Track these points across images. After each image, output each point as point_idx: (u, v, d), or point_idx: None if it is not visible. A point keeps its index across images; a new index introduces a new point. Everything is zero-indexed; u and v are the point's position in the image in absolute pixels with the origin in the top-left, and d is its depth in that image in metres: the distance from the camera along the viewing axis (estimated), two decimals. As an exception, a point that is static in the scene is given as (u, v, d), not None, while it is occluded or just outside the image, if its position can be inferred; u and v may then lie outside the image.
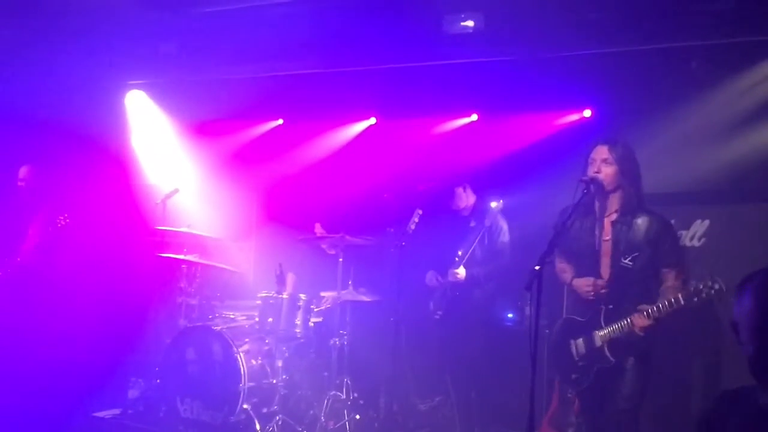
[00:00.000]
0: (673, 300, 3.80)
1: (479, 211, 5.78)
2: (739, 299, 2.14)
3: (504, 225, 5.67)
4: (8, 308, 6.07)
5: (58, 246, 6.20)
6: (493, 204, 5.42)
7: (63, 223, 6.05)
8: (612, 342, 4.01)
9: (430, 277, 5.86)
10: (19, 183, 6.36)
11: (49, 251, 6.19)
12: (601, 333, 4.04)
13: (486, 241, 5.61)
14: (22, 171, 6.38)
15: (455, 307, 5.68)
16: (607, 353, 4.03)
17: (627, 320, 3.95)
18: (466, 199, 5.88)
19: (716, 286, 3.68)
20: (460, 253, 5.62)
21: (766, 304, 2.05)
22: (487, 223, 5.59)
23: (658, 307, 3.86)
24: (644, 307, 3.91)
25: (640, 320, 3.89)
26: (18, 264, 6.15)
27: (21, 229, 6.32)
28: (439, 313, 5.77)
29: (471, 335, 5.60)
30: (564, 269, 4.40)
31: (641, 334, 3.91)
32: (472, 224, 5.73)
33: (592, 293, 4.13)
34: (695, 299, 3.75)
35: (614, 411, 4.07)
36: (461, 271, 5.53)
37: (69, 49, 6.44)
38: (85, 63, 6.59)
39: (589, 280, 4.15)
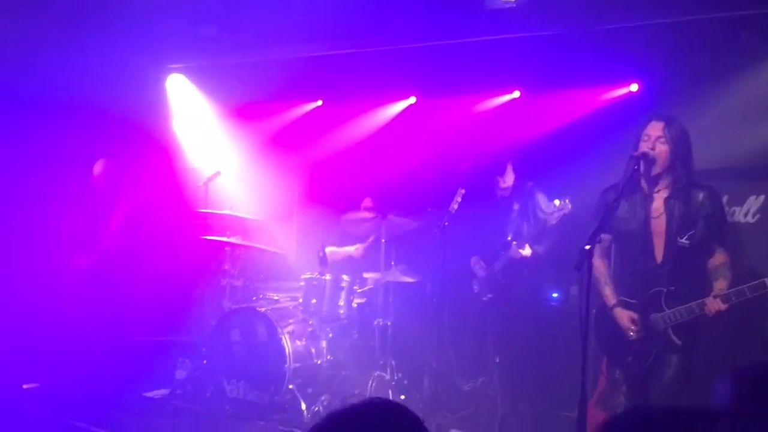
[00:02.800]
0: (757, 284, 3.68)
1: (520, 192, 5.69)
2: None
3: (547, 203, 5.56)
4: (76, 295, 6.24)
5: (133, 245, 6.49)
6: (557, 202, 5.12)
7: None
8: (678, 325, 3.92)
9: (475, 263, 5.82)
10: (96, 178, 6.51)
11: (126, 249, 6.44)
12: (664, 316, 3.94)
13: (532, 221, 5.52)
14: (98, 166, 6.54)
15: (506, 289, 5.64)
16: (673, 337, 3.93)
17: (697, 304, 3.83)
18: (503, 180, 5.80)
19: None
20: (509, 238, 5.55)
21: None
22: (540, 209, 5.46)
23: (738, 292, 3.74)
24: (721, 292, 3.79)
25: (716, 305, 3.78)
26: (99, 257, 6.36)
27: (96, 219, 6.49)
28: (489, 296, 5.73)
29: (520, 316, 5.56)
30: (605, 280, 4.20)
31: (711, 317, 3.81)
32: (516, 206, 5.64)
33: (633, 332, 4.02)
34: None
35: (662, 393, 3.99)
36: (527, 250, 5.44)
37: (110, 35, 6.49)
38: (126, 48, 6.63)
39: (634, 316, 4.02)
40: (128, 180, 6.70)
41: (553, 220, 5.18)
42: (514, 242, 5.51)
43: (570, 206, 4.96)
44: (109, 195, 6.56)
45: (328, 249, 6.09)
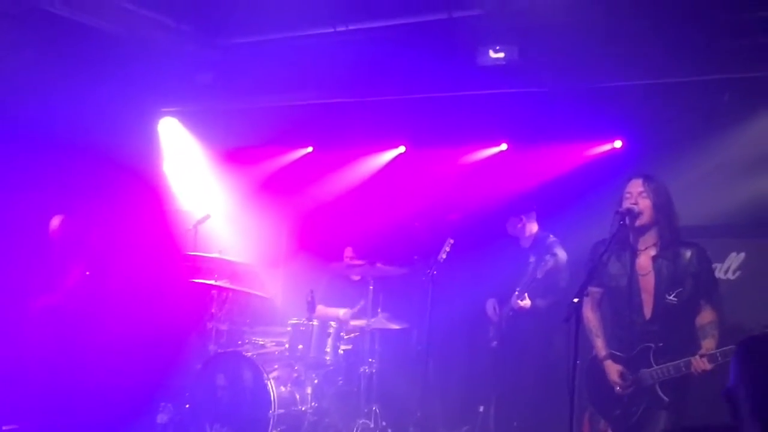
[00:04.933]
0: None
1: (539, 245, 5.79)
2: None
3: (563, 259, 5.63)
4: (44, 335, 6.17)
5: (95, 294, 6.40)
6: (548, 257, 5.42)
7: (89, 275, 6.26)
8: (665, 382, 3.97)
9: (490, 306, 5.94)
10: (51, 233, 6.45)
11: (87, 297, 6.36)
12: (652, 372, 3.99)
13: (543, 276, 5.56)
14: (54, 222, 6.48)
15: (507, 340, 5.73)
16: (660, 393, 3.97)
17: (684, 362, 3.89)
18: (524, 228, 5.92)
19: None
20: (517, 292, 5.64)
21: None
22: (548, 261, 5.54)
23: (724, 352, 3.79)
24: (707, 352, 3.85)
25: (702, 364, 3.83)
26: (56, 302, 6.27)
27: (57, 269, 6.43)
28: (495, 342, 5.84)
29: (516, 367, 5.65)
30: (596, 332, 4.26)
31: (697, 375, 3.87)
32: (532, 260, 5.73)
33: (621, 387, 4.08)
34: None
35: None
36: (526, 301, 5.54)
37: (105, 77, 6.57)
38: (122, 92, 6.71)
39: (624, 371, 4.07)
40: (111, 222, 6.66)
41: (539, 274, 5.33)
42: (517, 291, 5.61)
43: (552, 262, 5.15)
44: (87, 238, 6.53)
45: (318, 307, 6.13)
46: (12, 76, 6.10)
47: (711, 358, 3.82)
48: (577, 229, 5.41)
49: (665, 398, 3.96)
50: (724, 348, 3.82)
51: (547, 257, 5.37)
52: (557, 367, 5.68)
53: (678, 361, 3.91)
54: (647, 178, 4.13)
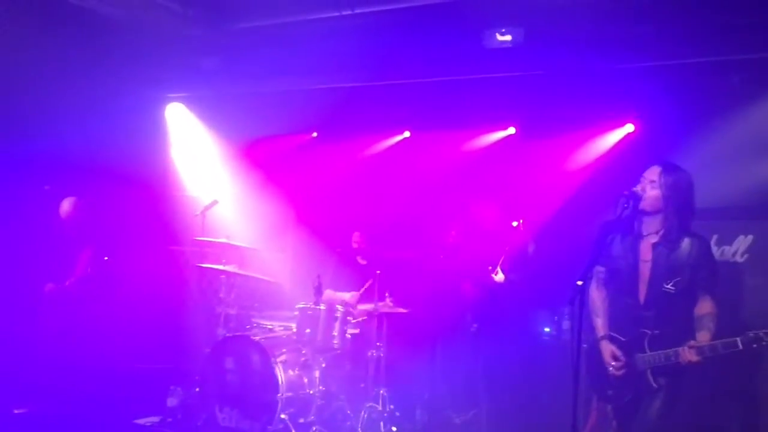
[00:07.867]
0: (730, 342, 3.72)
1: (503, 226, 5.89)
2: None
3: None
4: (55, 320, 6.22)
5: (105, 277, 6.38)
6: (514, 223, 5.60)
7: (107, 259, 6.25)
8: (657, 368, 3.96)
9: (467, 288, 5.97)
10: (63, 216, 6.43)
11: (97, 282, 6.35)
12: (646, 358, 3.98)
13: (516, 253, 5.66)
14: (65, 204, 6.45)
15: (489, 319, 5.75)
16: (650, 379, 3.97)
17: (674, 351, 3.87)
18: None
19: None
20: (490, 267, 5.70)
21: None
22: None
23: (711, 347, 3.77)
24: (696, 343, 3.82)
25: (689, 355, 3.81)
26: (66, 288, 6.27)
27: (68, 254, 6.43)
28: (475, 326, 5.86)
29: (505, 347, 5.67)
30: (597, 311, 4.26)
31: (686, 366, 3.86)
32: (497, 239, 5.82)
33: (613, 368, 4.06)
34: (754, 345, 3.67)
35: (645, 428, 4.01)
36: (500, 275, 5.64)
37: (113, 65, 6.58)
38: (129, 77, 6.73)
39: (617, 353, 4.06)
40: (100, 221, 6.65)
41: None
42: (489, 267, 5.67)
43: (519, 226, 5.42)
44: (80, 235, 6.51)
45: (326, 291, 6.14)
46: (18, 62, 6.11)
47: (698, 351, 3.80)
48: (585, 211, 5.38)
49: (655, 384, 3.95)
50: (713, 342, 3.79)
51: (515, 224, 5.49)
52: (557, 348, 5.78)
53: (668, 350, 3.90)
54: (666, 170, 4.03)
